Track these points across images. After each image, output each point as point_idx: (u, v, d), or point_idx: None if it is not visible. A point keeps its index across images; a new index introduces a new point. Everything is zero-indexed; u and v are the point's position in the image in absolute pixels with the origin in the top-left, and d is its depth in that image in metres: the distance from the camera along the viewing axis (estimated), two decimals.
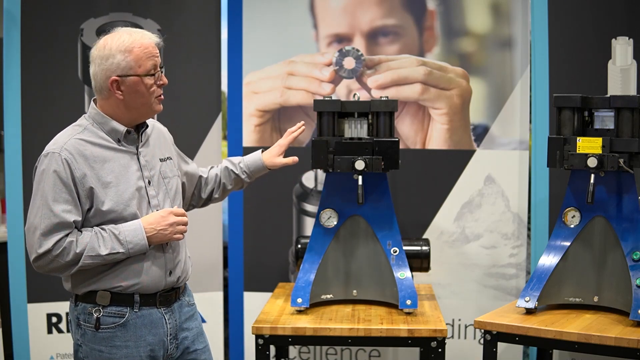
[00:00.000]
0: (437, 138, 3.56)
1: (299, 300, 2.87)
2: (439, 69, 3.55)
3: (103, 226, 2.29)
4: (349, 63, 3.57)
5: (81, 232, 2.28)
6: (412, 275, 2.99)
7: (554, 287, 2.82)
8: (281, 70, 3.61)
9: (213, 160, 3.70)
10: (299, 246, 3.25)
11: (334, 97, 3.00)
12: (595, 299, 2.81)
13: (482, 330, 2.73)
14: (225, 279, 3.82)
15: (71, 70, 3.51)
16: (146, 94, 2.33)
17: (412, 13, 3.55)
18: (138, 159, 2.38)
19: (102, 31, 3.48)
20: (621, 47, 3.37)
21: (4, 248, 3.52)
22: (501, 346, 2.76)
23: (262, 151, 2.86)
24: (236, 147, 3.67)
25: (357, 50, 3.56)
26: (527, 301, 2.76)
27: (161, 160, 2.47)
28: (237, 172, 2.80)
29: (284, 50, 3.60)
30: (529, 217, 3.59)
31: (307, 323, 2.77)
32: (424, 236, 3.60)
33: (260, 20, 3.64)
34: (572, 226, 2.86)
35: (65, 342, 3.56)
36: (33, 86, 3.46)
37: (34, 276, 3.48)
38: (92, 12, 3.51)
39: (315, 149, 2.95)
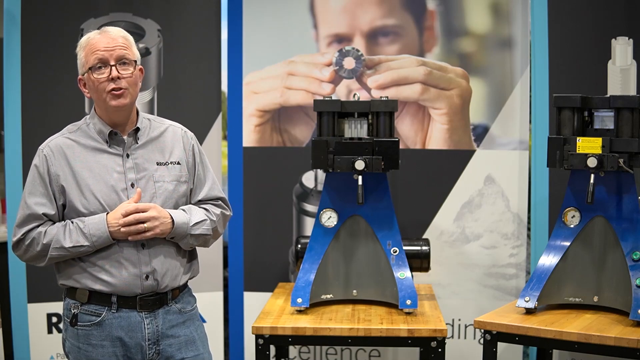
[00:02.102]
0: (437, 138, 3.56)
1: (299, 300, 2.87)
2: (439, 69, 3.55)
3: (73, 219, 2.34)
4: (349, 63, 3.57)
5: (54, 224, 2.35)
6: (412, 275, 2.99)
7: (554, 287, 2.82)
8: (281, 70, 3.61)
9: (213, 160, 3.70)
10: (299, 246, 3.25)
11: (334, 97, 3.00)
12: (595, 298, 2.81)
13: (482, 330, 2.73)
14: (226, 279, 3.82)
15: (71, 71, 3.50)
16: (98, 89, 2.34)
17: (412, 13, 3.56)
18: (123, 161, 2.39)
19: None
20: (621, 47, 3.37)
21: (4, 248, 3.52)
22: (501, 346, 2.76)
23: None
24: (236, 147, 3.67)
25: (357, 50, 3.56)
26: (527, 301, 2.76)
27: (159, 164, 2.44)
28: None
29: (284, 50, 3.60)
30: (528, 217, 3.59)
31: (307, 323, 2.77)
32: (424, 236, 3.60)
33: (261, 20, 3.64)
34: (572, 226, 2.86)
35: None
36: (33, 86, 3.46)
37: (34, 276, 3.48)
38: (92, 12, 3.51)
39: (315, 149, 2.95)
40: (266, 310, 2.97)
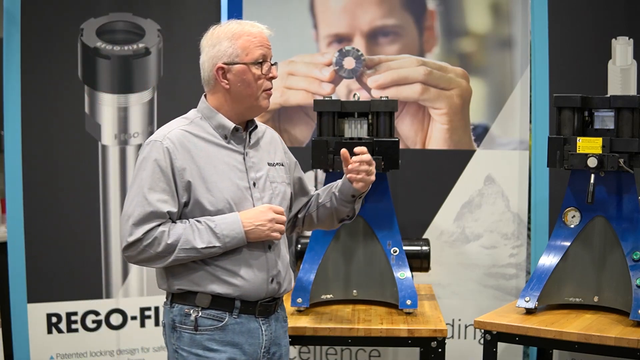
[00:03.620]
0: (437, 138, 3.56)
1: (299, 300, 2.87)
2: (439, 69, 3.55)
3: (198, 218, 2.18)
4: (349, 63, 3.57)
5: (175, 223, 2.17)
6: (412, 275, 2.99)
7: (554, 287, 2.82)
8: (281, 70, 3.60)
9: None
10: (299, 246, 3.25)
11: (334, 97, 3.00)
12: (595, 299, 2.81)
13: (482, 330, 2.73)
14: None
15: (71, 70, 3.51)
16: (253, 85, 2.22)
17: (412, 13, 3.55)
18: (244, 159, 2.27)
19: (102, 31, 3.52)
20: (621, 47, 3.37)
21: (4, 248, 3.52)
22: (501, 346, 2.75)
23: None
24: None
25: (357, 50, 3.56)
26: (527, 301, 2.76)
27: (270, 164, 2.34)
28: (333, 189, 2.51)
29: (284, 50, 3.60)
30: (529, 217, 3.59)
31: (307, 323, 2.77)
32: (424, 236, 3.60)
33: (260, 21, 3.61)
34: (572, 226, 2.86)
35: (65, 342, 3.56)
36: (33, 86, 3.46)
37: (33, 276, 3.48)
38: (92, 12, 3.51)
39: (315, 149, 2.95)
40: None
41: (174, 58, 3.61)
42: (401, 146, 3.32)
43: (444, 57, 3.56)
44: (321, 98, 3.03)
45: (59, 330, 3.56)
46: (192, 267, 2.19)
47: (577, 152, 2.77)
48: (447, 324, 3.56)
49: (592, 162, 2.72)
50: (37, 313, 3.52)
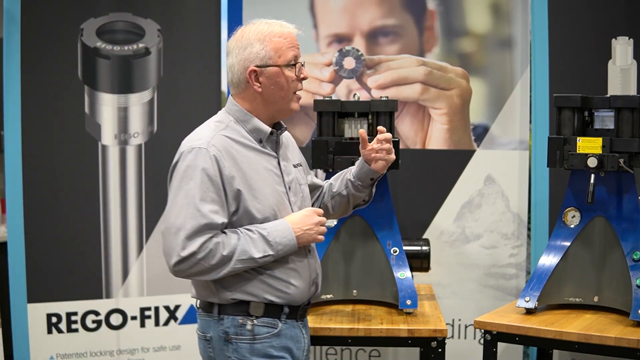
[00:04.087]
0: (437, 138, 3.56)
1: None
2: (439, 69, 3.55)
3: (248, 227, 2.12)
4: (349, 63, 3.57)
5: (225, 233, 2.10)
6: (412, 275, 2.99)
7: (554, 287, 2.82)
8: None
9: None
10: None
11: (334, 97, 3.00)
12: (596, 299, 2.81)
13: (482, 330, 2.73)
14: None
15: (71, 70, 3.51)
16: (286, 87, 2.17)
17: (412, 13, 3.55)
18: (279, 162, 2.23)
19: (102, 31, 3.52)
20: (621, 47, 3.37)
21: (4, 248, 3.52)
22: (501, 346, 2.75)
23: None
24: None
25: (357, 50, 3.56)
26: (527, 301, 2.75)
27: (294, 166, 2.31)
28: (347, 176, 2.51)
29: None
30: (529, 217, 3.59)
31: None
32: (424, 236, 3.60)
33: None
34: (572, 226, 2.86)
35: (65, 342, 3.56)
36: (33, 86, 3.46)
37: (33, 276, 3.48)
38: (92, 12, 3.51)
39: (315, 149, 2.95)
40: None
41: (174, 58, 3.61)
42: (401, 146, 3.33)
43: (444, 57, 3.56)
44: (321, 98, 3.03)
45: (59, 330, 3.56)
46: (246, 277, 2.14)
47: (577, 152, 2.76)
48: (447, 324, 3.56)
49: (592, 162, 2.72)
50: (37, 313, 3.52)
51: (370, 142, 2.45)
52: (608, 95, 2.79)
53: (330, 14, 3.58)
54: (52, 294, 3.52)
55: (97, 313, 3.60)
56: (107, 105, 3.54)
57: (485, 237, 3.58)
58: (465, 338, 3.62)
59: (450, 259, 3.60)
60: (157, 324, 3.67)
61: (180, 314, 3.69)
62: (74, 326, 3.57)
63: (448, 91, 3.54)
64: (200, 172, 2.06)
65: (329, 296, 3.01)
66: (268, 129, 2.19)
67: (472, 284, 3.60)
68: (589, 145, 2.75)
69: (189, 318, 3.68)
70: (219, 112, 2.26)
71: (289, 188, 2.22)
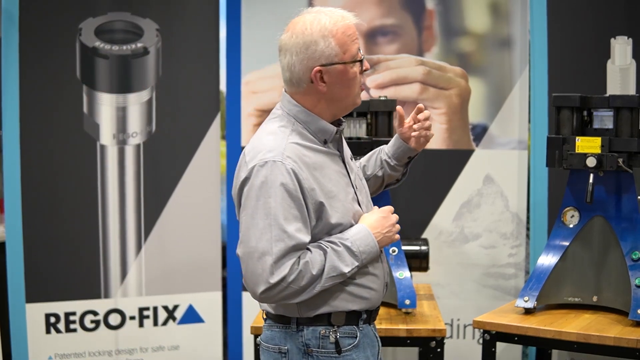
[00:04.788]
0: (436, 138, 3.56)
1: None
2: (437, 68, 3.54)
3: (330, 238, 1.97)
4: None
5: (310, 250, 1.94)
6: (411, 275, 2.99)
7: (553, 287, 2.81)
8: (280, 70, 3.59)
9: (211, 160, 3.70)
10: None
11: None
12: (595, 298, 2.81)
13: (481, 330, 2.72)
14: (224, 279, 3.82)
15: (70, 70, 3.51)
16: (352, 84, 2.00)
17: (411, 12, 3.55)
18: (343, 160, 2.08)
19: (100, 31, 3.51)
20: (620, 46, 3.37)
21: (2, 248, 3.52)
22: (500, 346, 2.75)
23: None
24: (235, 147, 3.66)
25: None
26: (526, 301, 2.75)
27: (350, 158, 2.16)
28: (380, 156, 2.41)
29: None
30: (527, 217, 3.59)
31: None
32: (423, 236, 3.60)
33: (259, 20, 3.63)
34: (571, 226, 2.85)
35: (63, 342, 3.56)
36: (31, 86, 3.46)
37: (32, 276, 3.47)
38: (90, 12, 3.51)
39: None
40: None
41: (173, 57, 3.61)
42: None
43: (443, 57, 3.55)
44: None
45: (58, 330, 3.56)
46: (329, 291, 1.99)
47: (576, 151, 2.76)
48: (446, 323, 3.56)
49: (591, 162, 2.72)
50: (35, 313, 3.52)
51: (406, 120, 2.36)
52: (607, 95, 2.78)
53: None
54: (50, 294, 3.52)
55: (95, 313, 3.59)
56: (106, 104, 3.54)
57: (484, 237, 3.58)
58: (464, 338, 3.62)
59: (449, 258, 3.60)
60: (155, 324, 3.66)
61: (178, 314, 3.69)
62: (72, 326, 3.57)
63: (447, 91, 3.54)
64: (279, 188, 1.88)
65: None
66: (334, 129, 2.03)
67: (471, 283, 3.60)
68: (588, 145, 2.75)
69: (188, 318, 3.68)
70: (275, 112, 2.08)
71: (356, 187, 2.09)
